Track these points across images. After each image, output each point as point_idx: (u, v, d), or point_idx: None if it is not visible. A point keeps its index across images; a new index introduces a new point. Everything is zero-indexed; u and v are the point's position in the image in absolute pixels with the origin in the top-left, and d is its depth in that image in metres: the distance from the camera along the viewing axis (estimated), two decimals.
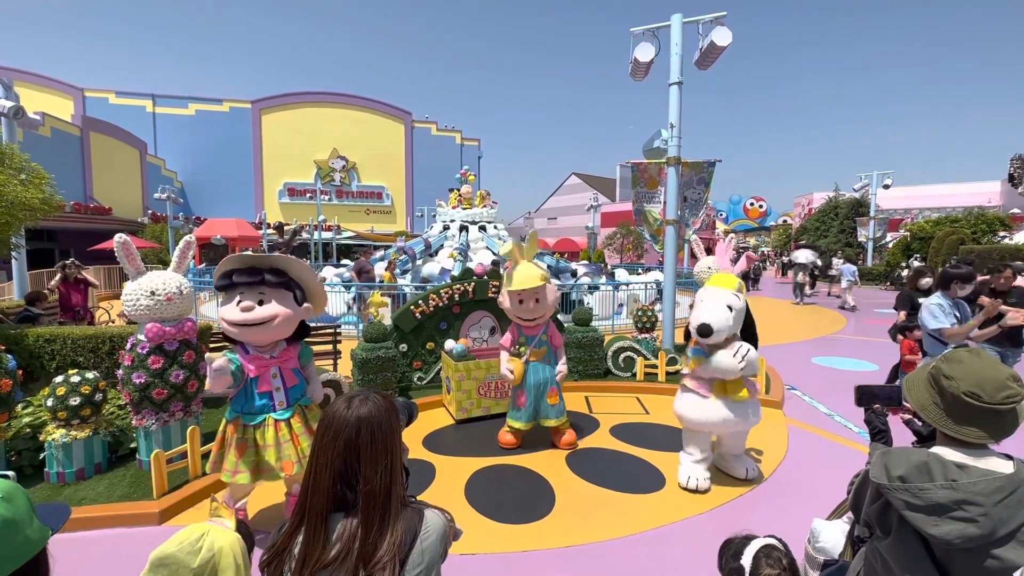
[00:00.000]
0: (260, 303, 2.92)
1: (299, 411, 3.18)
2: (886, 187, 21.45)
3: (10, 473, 1.11)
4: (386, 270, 11.09)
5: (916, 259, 18.49)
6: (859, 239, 23.93)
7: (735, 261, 4.20)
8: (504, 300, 4.47)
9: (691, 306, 4.10)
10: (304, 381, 3.30)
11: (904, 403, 1.99)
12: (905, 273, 18.73)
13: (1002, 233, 19.32)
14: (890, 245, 23.16)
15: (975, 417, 1.22)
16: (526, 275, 4.28)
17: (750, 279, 21.11)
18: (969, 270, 4.48)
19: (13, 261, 8.34)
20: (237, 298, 2.92)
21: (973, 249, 15.56)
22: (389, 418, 1.20)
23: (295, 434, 3.11)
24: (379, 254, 14.84)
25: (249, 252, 3.05)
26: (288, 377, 3.16)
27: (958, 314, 4.67)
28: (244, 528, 1.26)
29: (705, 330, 3.47)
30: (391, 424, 1.20)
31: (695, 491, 3.79)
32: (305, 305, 3.10)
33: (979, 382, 1.21)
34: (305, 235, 27.10)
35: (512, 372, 4.42)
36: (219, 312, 3.02)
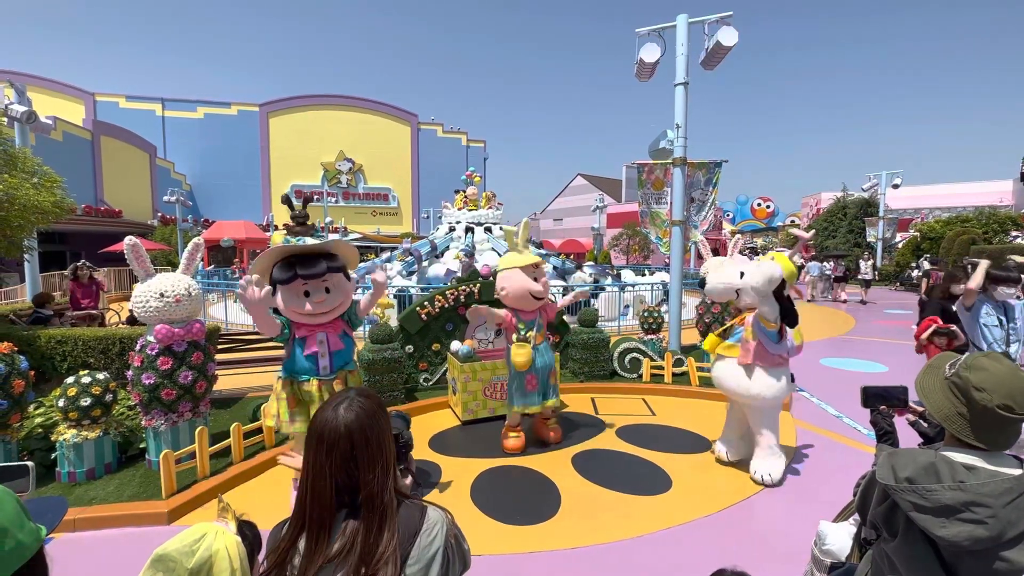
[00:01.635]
0: (327, 291, 3.03)
1: (342, 377, 3.25)
2: (895, 187, 21.26)
3: (29, 464, 1.11)
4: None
5: (926, 259, 18.26)
6: (868, 239, 23.70)
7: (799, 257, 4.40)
8: (518, 281, 4.35)
9: (697, 307, 4.23)
10: (350, 346, 3.32)
11: (910, 404, 1.98)
12: (916, 274, 18.39)
13: (1014, 233, 19.03)
14: (900, 245, 22.91)
15: (1005, 428, 1.21)
16: (529, 254, 4.47)
17: None
18: (1016, 275, 4.43)
19: (26, 263, 8.46)
20: (302, 291, 2.98)
21: (985, 249, 15.37)
22: (378, 417, 1.20)
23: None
24: (385, 256, 14.91)
25: (306, 241, 3.06)
26: (333, 342, 3.21)
27: (1002, 317, 4.54)
28: (252, 531, 1.27)
29: (701, 281, 4.09)
30: (381, 423, 1.21)
31: (728, 464, 4.17)
32: (353, 276, 3.25)
33: (1010, 392, 1.18)
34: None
35: (524, 351, 4.35)
36: (284, 305, 3.00)
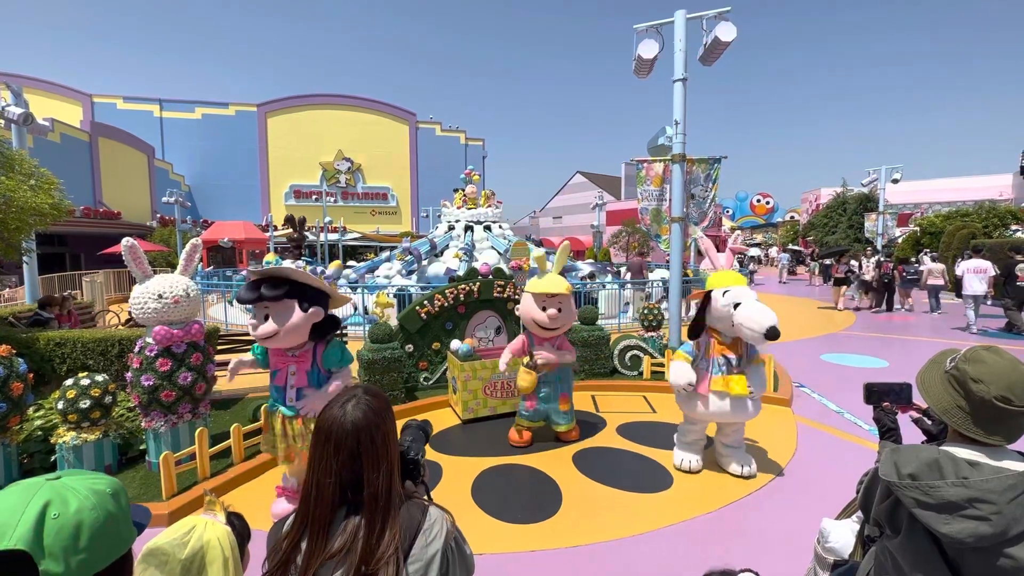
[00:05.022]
0: (266, 317, 3.01)
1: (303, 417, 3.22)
2: (895, 181, 21.14)
3: None
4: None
5: (927, 254, 18.23)
6: (866, 234, 23.64)
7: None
8: (526, 306, 4.36)
9: (694, 303, 4.15)
10: (319, 385, 3.20)
11: (913, 401, 1.97)
12: (917, 269, 18.32)
13: (1014, 227, 19.02)
14: (899, 240, 22.86)
15: (1005, 421, 1.20)
16: (553, 280, 4.26)
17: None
18: None
19: (24, 266, 8.44)
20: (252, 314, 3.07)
21: (985, 243, 15.35)
22: (384, 418, 1.21)
23: (294, 433, 3.21)
24: (385, 255, 14.89)
25: (276, 264, 3.12)
26: (300, 378, 3.21)
27: None
28: (240, 521, 1.27)
29: (775, 333, 3.44)
30: (387, 424, 1.21)
31: (688, 472, 4.03)
32: (311, 309, 3.07)
33: (1009, 385, 1.18)
34: (311, 236, 27.26)
35: (528, 378, 4.33)
36: None
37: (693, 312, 4.08)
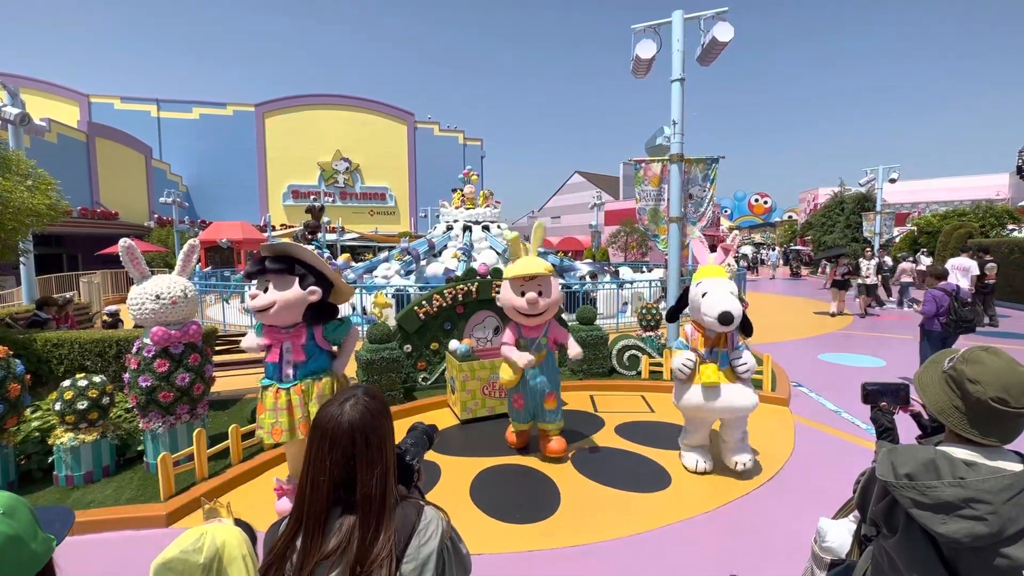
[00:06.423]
0: (265, 290, 3.10)
1: (302, 385, 3.27)
2: (892, 181, 21.19)
3: None
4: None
5: (923, 253, 18.27)
6: (865, 234, 23.67)
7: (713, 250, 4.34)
8: (505, 294, 4.20)
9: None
10: (318, 357, 3.35)
11: (911, 401, 1.97)
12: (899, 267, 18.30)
13: (1011, 226, 19.08)
14: (897, 240, 22.90)
15: (1001, 422, 1.20)
16: (529, 262, 4.06)
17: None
18: None
19: (21, 267, 8.40)
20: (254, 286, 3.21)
21: (981, 242, 15.40)
22: (381, 420, 1.21)
23: (292, 405, 3.24)
24: (383, 255, 14.88)
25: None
26: (296, 352, 3.27)
27: None
28: (245, 527, 1.27)
29: (728, 318, 3.52)
30: (384, 427, 1.21)
31: (703, 473, 4.00)
32: (310, 289, 3.15)
33: (1005, 386, 1.18)
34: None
35: (531, 361, 4.07)
36: None
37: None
